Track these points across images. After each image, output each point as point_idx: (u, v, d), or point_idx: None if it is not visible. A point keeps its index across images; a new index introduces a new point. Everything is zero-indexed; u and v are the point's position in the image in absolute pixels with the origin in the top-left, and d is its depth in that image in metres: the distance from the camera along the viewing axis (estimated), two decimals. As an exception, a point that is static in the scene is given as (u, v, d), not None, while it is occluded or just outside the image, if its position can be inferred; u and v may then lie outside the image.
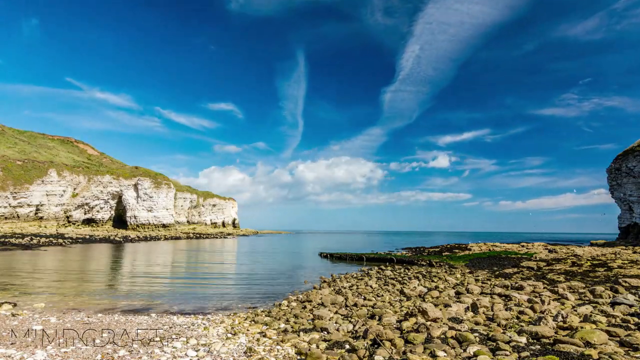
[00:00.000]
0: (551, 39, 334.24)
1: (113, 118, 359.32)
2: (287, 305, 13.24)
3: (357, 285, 17.73)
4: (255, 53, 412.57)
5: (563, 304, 12.00)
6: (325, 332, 9.09)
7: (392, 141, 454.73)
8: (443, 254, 38.99)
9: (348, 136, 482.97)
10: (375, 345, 7.52)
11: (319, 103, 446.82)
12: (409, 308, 11.09)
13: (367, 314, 11.16)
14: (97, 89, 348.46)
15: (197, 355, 7.17)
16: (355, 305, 12.82)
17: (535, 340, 7.67)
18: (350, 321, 10.30)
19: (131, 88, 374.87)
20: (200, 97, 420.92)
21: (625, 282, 15.09)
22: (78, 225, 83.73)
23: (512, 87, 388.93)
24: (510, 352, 6.83)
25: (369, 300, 13.84)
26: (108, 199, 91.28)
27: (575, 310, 10.51)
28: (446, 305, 11.27)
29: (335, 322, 10.13)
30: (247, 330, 9.47)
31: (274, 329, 9.54)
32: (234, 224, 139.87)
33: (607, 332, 7.80)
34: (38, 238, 53.59)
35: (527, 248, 44.65)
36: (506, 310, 10.99)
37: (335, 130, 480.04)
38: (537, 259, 30.53)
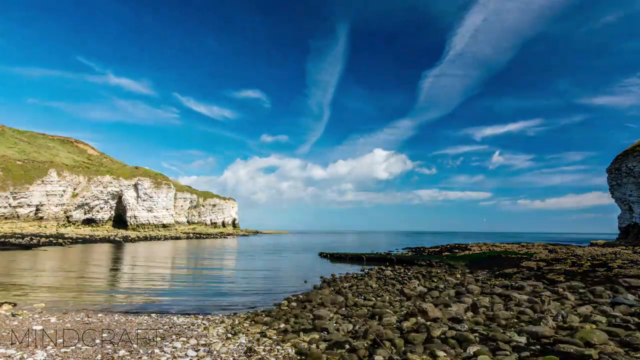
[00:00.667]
0: (637, 9, 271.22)
1: (126, 108, 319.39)
2: (287, 305, 13.24)
3: (357, 285, 17.72)
4: (289, 30, 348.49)
5: (563, 304, 11.98)
6: (326, 332, 9.08)
7: (421, 135, 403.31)
8: (443, 254, 38.96)
9: (373, 129, 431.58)
10: (375, 345, 7.52)
11: (352, 89, 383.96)
12: (409, 308, 11.09)
13: (367, 314, 11.15)
14: (110, 71, 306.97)
15: (197, 355, 7.17)
16: (355, 305, 12.81)
17: (535, 340, 7.67)
18: (350, 321, 10.29)
19: (147, 71, 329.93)
20: (223, 83, 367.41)
21: (625, 282, 15.09)
22: (78, 225, 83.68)
23: (572, 71, 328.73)
24: (510, 352, 6.83)
25: (369, 300, 13.83)
26: (108, 199, 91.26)
27: (575, 310, 10.51)
28: (446, 305, 11.27)
29: (335, 322, 10.12)
30: (247, 330, 9.47)
31: (274, 329, 9.53)
32: (234, 224, 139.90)
33: (607, 332, 7.79)
34: (38, 238, 53.57)
35: (527, 248, 44.64)
36: (506, 310, 10.98)
37: (361, 121, 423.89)
38: (537, 259, 30.50)
